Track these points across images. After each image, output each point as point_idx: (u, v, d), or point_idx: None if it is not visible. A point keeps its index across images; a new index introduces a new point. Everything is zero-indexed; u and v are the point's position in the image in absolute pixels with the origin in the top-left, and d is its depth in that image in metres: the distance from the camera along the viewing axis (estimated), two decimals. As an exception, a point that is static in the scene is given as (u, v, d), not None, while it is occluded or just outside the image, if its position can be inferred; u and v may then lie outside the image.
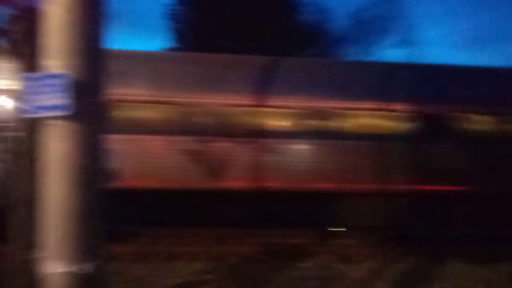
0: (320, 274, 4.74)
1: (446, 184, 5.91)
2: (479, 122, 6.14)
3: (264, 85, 5.99)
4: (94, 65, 1.72)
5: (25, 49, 2.42)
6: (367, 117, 5.97)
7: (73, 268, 1.64)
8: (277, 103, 5.89)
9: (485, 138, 6.05)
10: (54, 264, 1.64)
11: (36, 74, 1.74)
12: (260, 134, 5.83)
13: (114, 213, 2.13)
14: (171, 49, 14.20)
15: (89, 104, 1.67)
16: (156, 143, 5.79)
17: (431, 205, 5.96)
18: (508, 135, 6.05)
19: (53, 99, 1.57)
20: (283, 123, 5.93)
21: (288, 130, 5.89)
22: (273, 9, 14.19)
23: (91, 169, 1.70)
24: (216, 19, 13.54)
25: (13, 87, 3.54)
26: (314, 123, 5.86)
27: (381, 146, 5.84)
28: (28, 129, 2.38)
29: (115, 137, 3.95)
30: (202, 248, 5.50)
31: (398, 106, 6.01)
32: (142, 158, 5.70)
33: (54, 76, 1.59)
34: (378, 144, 5.84)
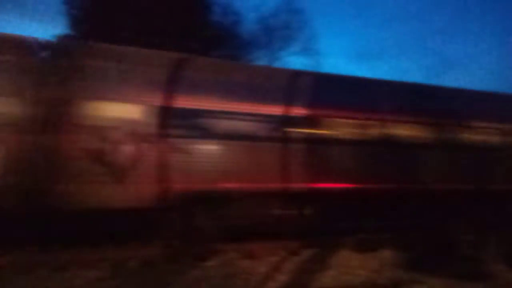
0: (224, 272, 4.82)
1: (338, 182, 6.45)
2: (367, 127, 6.81)
3: (170, 83, 5.83)
4: None
5: None
6: (269, 120, 6.18)
7: None
8: (181, 103, 5.76)
9: (370, 141, 6.75)
10: None
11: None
12: (167, 134, 5.64)
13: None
14: (64, 37, 12.62)
15: None
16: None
17: (325, 202, 6.47)
18: (390, 139, 6.84)
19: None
20: (188, 124, 5.80)
21: (193, 131, 5.77)
22: (183, 4, 13.75)
23: None
24: (118, 7, 12.64)
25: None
26: (217, 124, 5.86)
27: (278, 148, 6.10)
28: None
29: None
30: (97, 255, 5.14)
31: (299, 111, 6.36)
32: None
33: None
34: (275, 146, 6.10)
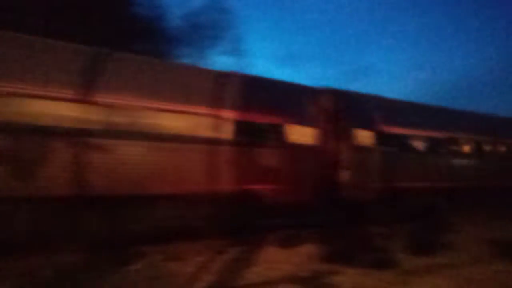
0: (149, 275, 4.67)
1: (261, 183, 6.67)
2: (292, 130, 7.16)
3: (89, 78, 5.51)
4: None
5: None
6: (194, 121, 6.16)
7: None
8: (99, 99, 5.48)
9: (296, 144, 7.12)
10: None
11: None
12: (81, 132, 5.31)
13: None
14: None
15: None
16: None
17: (253, 202, 6.65)
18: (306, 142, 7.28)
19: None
20: (108, 121, 5.52)
21: (112, 129, 5.51)
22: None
23: None
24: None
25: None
26: (137, 122, 5.68)
27: (204, 149, 6.13)
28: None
29: None
30: (5, 264, 4.64)
31: (224, 113, 6.44)
32: None
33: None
34: (202, 147, 6.12)
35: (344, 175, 7.86)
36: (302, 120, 7.25)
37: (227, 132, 6.35)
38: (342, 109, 8.25)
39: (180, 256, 5.37)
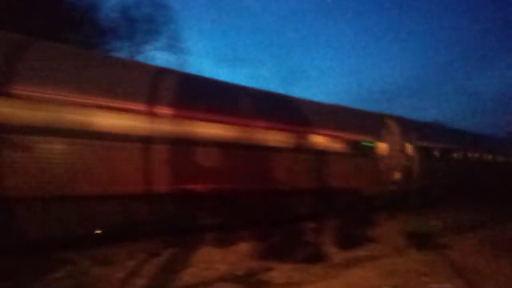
0: (74, 284, 4.37)
1: (199, 183, 6.62)
2: (228, 129, 7.18)
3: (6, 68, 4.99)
4: None
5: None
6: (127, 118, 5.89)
7: None
8: (19, 91, 4.99)
9: (230, 144, 7.15)
10: None
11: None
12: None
13: None
14: None
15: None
16: None
17: (188, 202, 6.56)
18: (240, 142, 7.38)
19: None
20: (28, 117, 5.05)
21: (33, 126, 5.05)
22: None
23: None
24: None
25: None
26: (61, 117, 5.27)
27: (136, 148, 5.91)
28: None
29: None
30: None
31: (161, 110, 6.27)
32: None
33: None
34: (134, 145, 5.88)
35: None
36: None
37: (163, 130, 6.17)
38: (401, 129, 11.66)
39: (110, 261, 5.11)
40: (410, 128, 12.41)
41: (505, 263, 5.35)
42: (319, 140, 8.89)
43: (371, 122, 11.10)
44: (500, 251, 6.02)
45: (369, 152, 10.43)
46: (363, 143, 10.23)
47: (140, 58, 17.45)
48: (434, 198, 13.00)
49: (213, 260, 5.38)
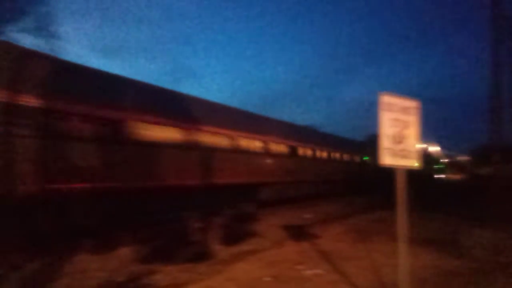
0: None
1: (72, 182, 6.03)
2: (112, 125, 6.72)
3: None
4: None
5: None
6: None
7: None
8: None
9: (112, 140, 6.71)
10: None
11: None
12: None
13: None
14: None
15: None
16: None
17: (62, 204, 5.91)
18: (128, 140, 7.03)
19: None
20: None
21: None
22: None
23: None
24: None
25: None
26: None
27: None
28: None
29: None
30: None
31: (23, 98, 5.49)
32: None
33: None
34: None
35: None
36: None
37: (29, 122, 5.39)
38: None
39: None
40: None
41: (362, 247, 6.32)
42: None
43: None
44: (359, 237, 7.10)
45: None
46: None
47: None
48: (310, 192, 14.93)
49: (90, 268, 4.94)
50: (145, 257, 5.52)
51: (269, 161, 12.35)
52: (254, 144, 11.55)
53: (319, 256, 5.68)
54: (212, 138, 9.44)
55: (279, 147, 13.11)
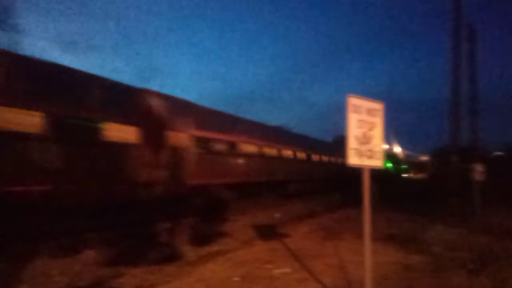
0: None
1: (27, 183, 5.74)
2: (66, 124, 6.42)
3: None
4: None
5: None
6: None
7: None
8: None
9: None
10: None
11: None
12: None
13: None
14: None
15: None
16: None
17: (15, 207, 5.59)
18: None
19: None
20: None
21: None
22: None
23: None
24: None
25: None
26: None
27: None
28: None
29: None
30: None
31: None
32: None
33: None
34: None
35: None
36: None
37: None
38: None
39: None
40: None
41: (329, 245, 6.44)
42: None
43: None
44: (328, 235, 7.23)
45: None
46: None
47: None
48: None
49: (50, 273, 4.72)
50: (111, 259, 5.34)
51: (241, 161, 12.30)
52: (227, 145, 11.42)
53: (288, 254, 5.74)
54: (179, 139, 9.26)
55: (250, 147, 13.08)
